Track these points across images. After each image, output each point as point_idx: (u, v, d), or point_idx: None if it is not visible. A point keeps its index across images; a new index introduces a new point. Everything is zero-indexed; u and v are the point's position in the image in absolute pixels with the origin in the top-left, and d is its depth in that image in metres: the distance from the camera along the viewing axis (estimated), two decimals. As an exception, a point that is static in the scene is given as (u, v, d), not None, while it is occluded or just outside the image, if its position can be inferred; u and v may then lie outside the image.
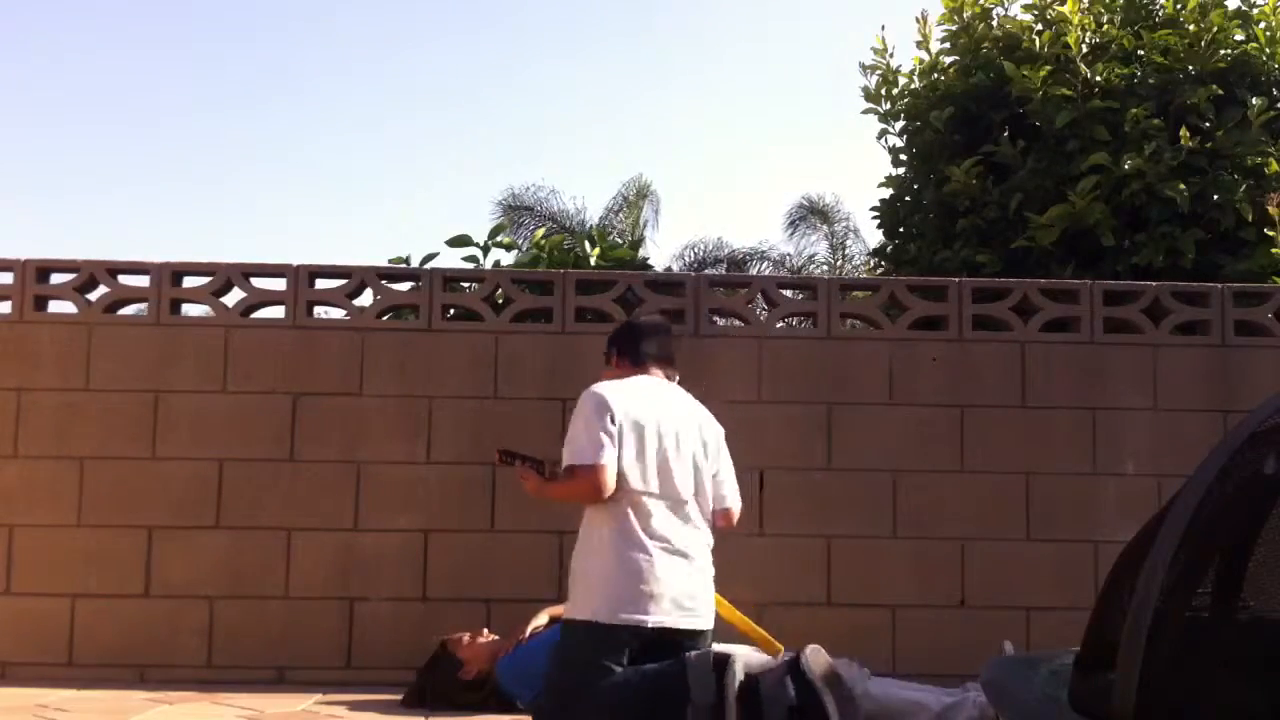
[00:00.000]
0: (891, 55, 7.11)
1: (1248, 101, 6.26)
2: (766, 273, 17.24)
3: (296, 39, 37.39)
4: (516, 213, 18.11)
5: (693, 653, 3.13)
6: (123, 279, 4.88)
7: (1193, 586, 1.58)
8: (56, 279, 4.87)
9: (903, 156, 7.34)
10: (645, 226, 19.23)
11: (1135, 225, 6.24)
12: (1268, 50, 6.49)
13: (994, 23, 6.92)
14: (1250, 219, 6.03)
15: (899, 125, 7.26)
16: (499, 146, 33.81)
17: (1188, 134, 6.07)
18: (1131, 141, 6.19)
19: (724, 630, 3.58)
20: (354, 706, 4.01)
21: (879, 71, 7.13)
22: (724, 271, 16.84)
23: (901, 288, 5.04)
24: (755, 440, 4.73)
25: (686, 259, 18.05)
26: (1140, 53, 6.63)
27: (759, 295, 5.18)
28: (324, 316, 5.16)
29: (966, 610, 4.74)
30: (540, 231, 6.91)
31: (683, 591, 3.20)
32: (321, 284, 4.94)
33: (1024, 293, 4.99)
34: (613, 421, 3.16)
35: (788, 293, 5.07)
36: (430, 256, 5.45)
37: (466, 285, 5.23)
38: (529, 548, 4.65)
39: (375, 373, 4.78)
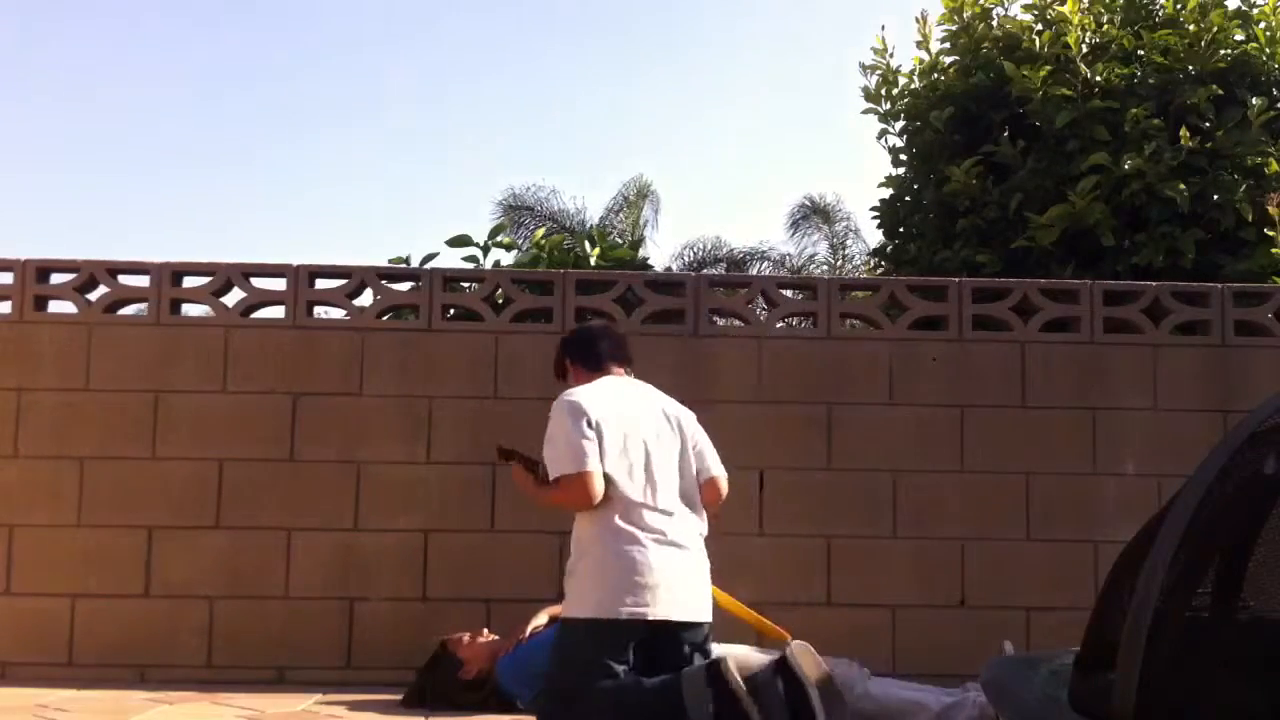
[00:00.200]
0: (891, 55, 7.12)
1: (1248, 101, 6.26)
2: (766, 273, 17.25)
3: (297, 39, 37.38)
4: (517, 212, 18.11)
5: (686, 669, 3.12)
6: (123, 279, 4.88)
7: (1193, 586, 1.58)
8: (56, 279, 4.87)
9: (903, 156, 7.34)
10: (645, 226, 19.24)
11: (1135, 225, 6.24)
12: (1268, 50, 6.49)
13: (994, 23, 6.92)
14: (1250, 219, 6.03)
15: (899, 125, 7.26)
16: (499, 146, 33.82)
17: (1188, 134, 6.07)
18: (1131, 141, 6.19)
19: (725, 625, 3.58)
20: (354, 706, 4.01)
21: (879, 71, 7.13)
22: (723, 271, 16.84)
23: (901, 288, 5.04)
24: (755, 440, 4.74)
25: (685, 259, 18.06)
26: (1140, 53, 6.63)
27: (759, 295, 5.18)
28: (324, 316, 5.16)
29: (966, 610, 4.74)
30: (540, 231, 6.91)
31: (680, 582, 3.20)
32: (321, 284, 4.94)
33: (1024, 293, 4.99)
34: (590, 425, 3.17)
35: (788, 293, 5.07)
36: (430, 256, 5.45)
37: (466, 285, 5.23)
38: (529, 548, 4.65)
39: (375, 373, 4.78)
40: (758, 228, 45.70)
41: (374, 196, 34.51)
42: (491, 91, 35.23)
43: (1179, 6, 6.66)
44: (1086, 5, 6.66)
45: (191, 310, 5.06)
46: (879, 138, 7.34)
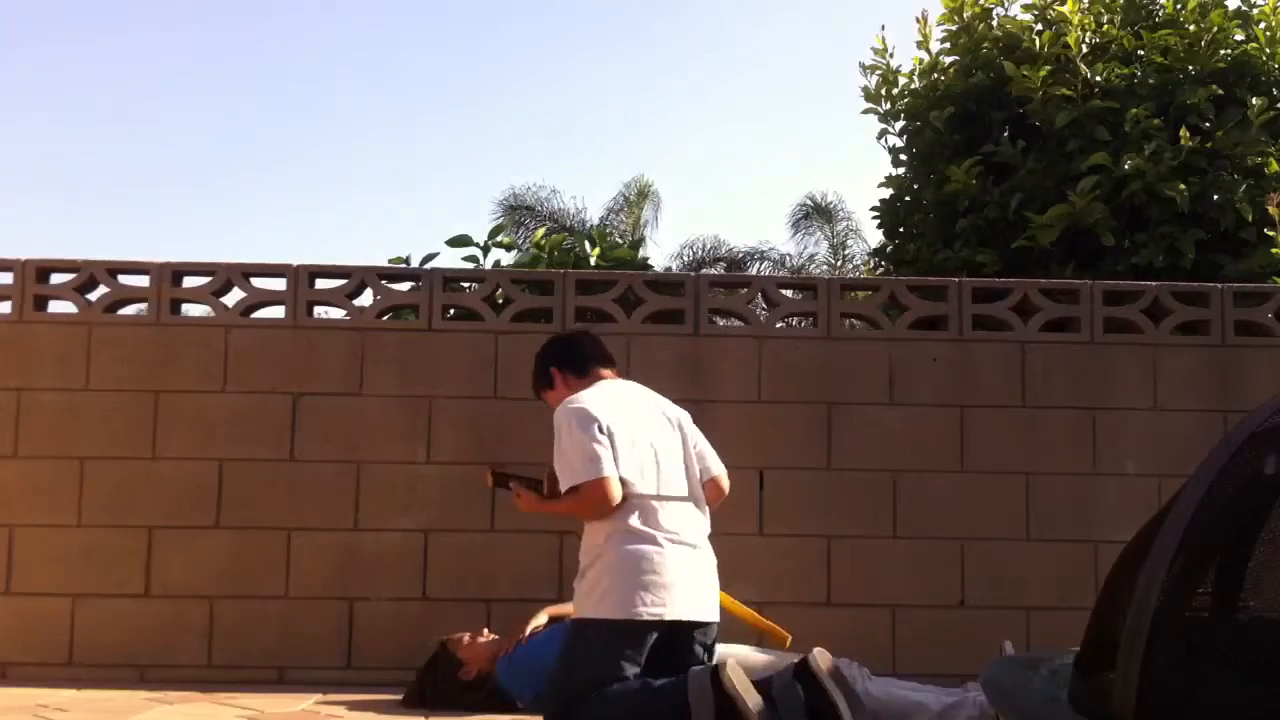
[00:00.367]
0: (891, 55, 7.11)
1: (1248, 101, 6.26)
2: (766, 273, 17.25)
3: (298, 38, 37.38)
4: (518, 212, 18.13)
5: (693, 669, 3.12)
6: (123, 279, 4.87)
7: (1193, 586, 1.58)
8: (56, 279, 4.87)
9: (903, 156, 7.34)
10: (646, 226, 19.26)
11: (1135, 225, 6.24)
12: (1268, 50, 6.48)
13: (994, 23, 6.92)
14: (1250, 219, 6.03)
15: (899, 125, 7.26)
16: (500, 146, 33.81)
17: (1188, 134, 6.07)
18: (1131, 141, 6.18)
19: (726, 625, 3.58)
20: (354, 706, 4.01)
21: (879, 71, 7.13)
22: (722, 271, 16.85)
23: (901, 288, 5.04)
24: (755, 440, 4.74)
25: (685, 258, 18.07)
26: (1140, 53, 6.63)
27: (759, 295, 5.18)
28: (324, 316, 5.16)
29: (966, 610, 4.74)
30: (540, 231, 6.91)
31: (694, 582, 3.21)
32: (321, 284, 4.94)
33: (1024, 293, 4.99)
34: (601, 431, 3.17)
35: (788, 293, 5.07)
36: (430, 256, 5.45)
37: (466, 285, 5.23)
38: (529, 548, 4.65)
39: (375, 373, 4.78)
40: (758, 228, 45.72)
41: (375, 197, 34.50)
42: (491, 92, 35.23)
43: (1179, 6, 6.66)
44: (1086, 5, 6.65)
45: (191, 310, 5.07)
46: (879, 138, 7.34)
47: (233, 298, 4.88)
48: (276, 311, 4.86)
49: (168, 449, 4.70)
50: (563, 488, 3.22)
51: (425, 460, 4.74)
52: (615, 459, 3.15)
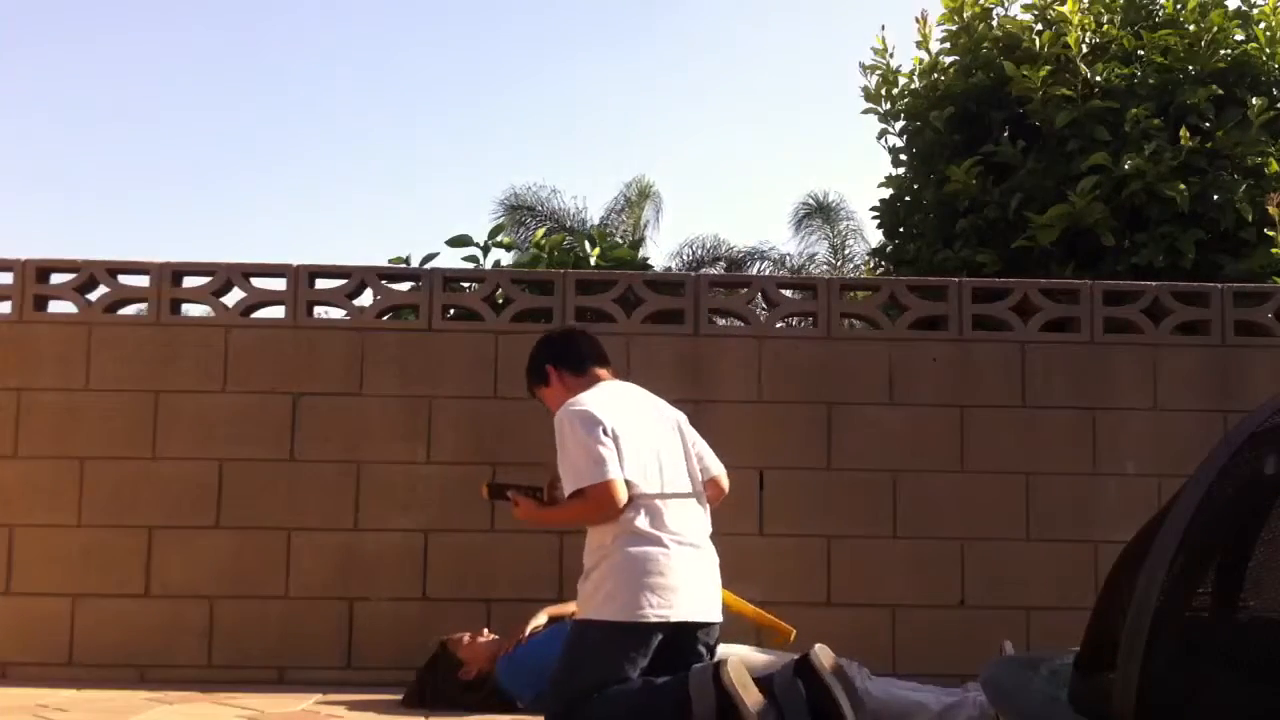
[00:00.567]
0: (891, 55, 7.11)
1: (1248, 101, 6.26)
2: (766, 272, 17.25)
3: (298, 38, 37.38)
4: (518, 212, 18.13)
5: (695, 667, 3.11)
6: (123, 279, 4.87)
7: (1193, 586, 1.58)
8: (56, 279, 4.87)
9: (903, 156, 7.34)
10: (646, 227, 19.26)
11: (1135, 225, 6.24)
12: (1268, 50, 6.48)
13: (994, 23, 6.91)
14: (1250, 219, 6.03)
15: (899, 125, 7.26)
16: (500, 146, 33.82)
17: (1188, 134, 6.07)
18: (1131, 141, 6.18)
19: (730, 623, 3.58)
20: (354, 706, 4.00)
21: (879, 71, 7.13)
22: (722, 271, 16.85)
23: (901, 288, 5.04)
24: (755, 440, 4.74)
25: (684, 257, 18.07)
26: (1140, 53, 6.63)
27: (759, 295, 5.18)
28: (324, 316, 5.16)
29: (966, 610, 4.74)
30: (540, 231, 6.90)
31: (699, 582, 3.21)
32: (321, 284, 4.94)
33: (1024, 293, 4.98)
34: (606, 433, 3.15)
35: (788, 293, 5.07)
36: (430, 256, 5.45)
37: (466, 285, 5.23)
38: (529, 548, 4.65)
39: (375, 373, 4.78)
40: (758, 228, 45.72)
41: (375, 196, 34.49)
42: (491, 92, 35.22)
43: (1179, 6, 6.66)
44: (1086, 5, 6.65)
45: (191, 310, 5.06)
46: (879, 138, 7.34)
47: (233, 298, 4.88)
48: (276, 311, 4.86)
49: (168, 449, 4.70)
50: (567, 491, 3.21)
51: (425, 460, 4.74)
52: (620, 461, 3.14)
